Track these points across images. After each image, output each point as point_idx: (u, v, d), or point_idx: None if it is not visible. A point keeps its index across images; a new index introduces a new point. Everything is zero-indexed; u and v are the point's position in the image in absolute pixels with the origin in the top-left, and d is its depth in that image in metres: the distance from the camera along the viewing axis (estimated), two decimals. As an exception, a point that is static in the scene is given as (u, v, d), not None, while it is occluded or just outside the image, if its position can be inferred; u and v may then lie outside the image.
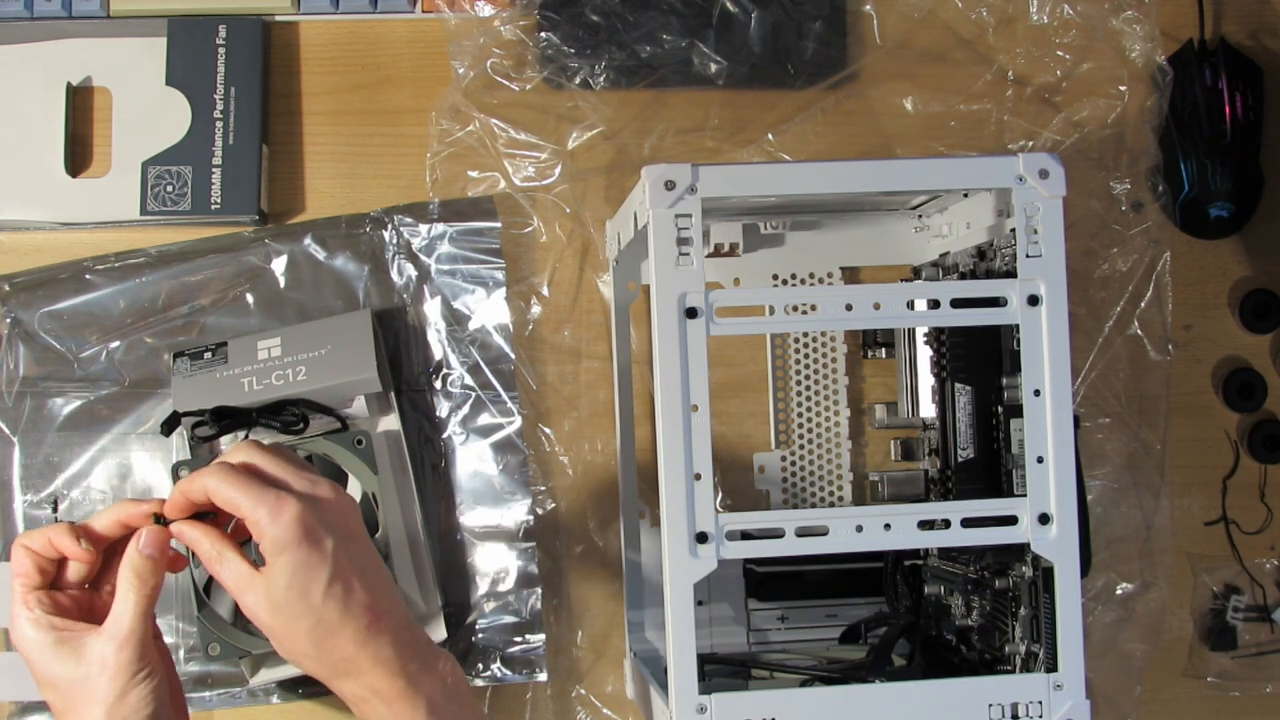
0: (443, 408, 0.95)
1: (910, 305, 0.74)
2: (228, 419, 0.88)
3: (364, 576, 0.68)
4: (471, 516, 0.95)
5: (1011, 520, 0.72)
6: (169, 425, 0.88)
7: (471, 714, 0.72)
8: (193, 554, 0.87)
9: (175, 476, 0.88)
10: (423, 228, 0.96)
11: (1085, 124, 0.97)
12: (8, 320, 0.94)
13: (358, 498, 0.89)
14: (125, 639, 0.68)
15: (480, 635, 0.94)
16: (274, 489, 0.67)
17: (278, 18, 0.98)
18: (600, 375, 0.96)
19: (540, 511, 0.95)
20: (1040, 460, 0.72)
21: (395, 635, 0.68)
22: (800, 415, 0.97)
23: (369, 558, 0.69)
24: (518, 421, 0.95)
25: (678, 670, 0.68)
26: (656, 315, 0.70)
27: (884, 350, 0.96)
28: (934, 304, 0.73)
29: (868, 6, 0.98)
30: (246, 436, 0.89)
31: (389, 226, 0.96)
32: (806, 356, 0.97)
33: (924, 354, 0.91)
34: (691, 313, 0.70)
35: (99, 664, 0.68)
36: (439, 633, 0.90)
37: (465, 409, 0.95)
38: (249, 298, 0.95)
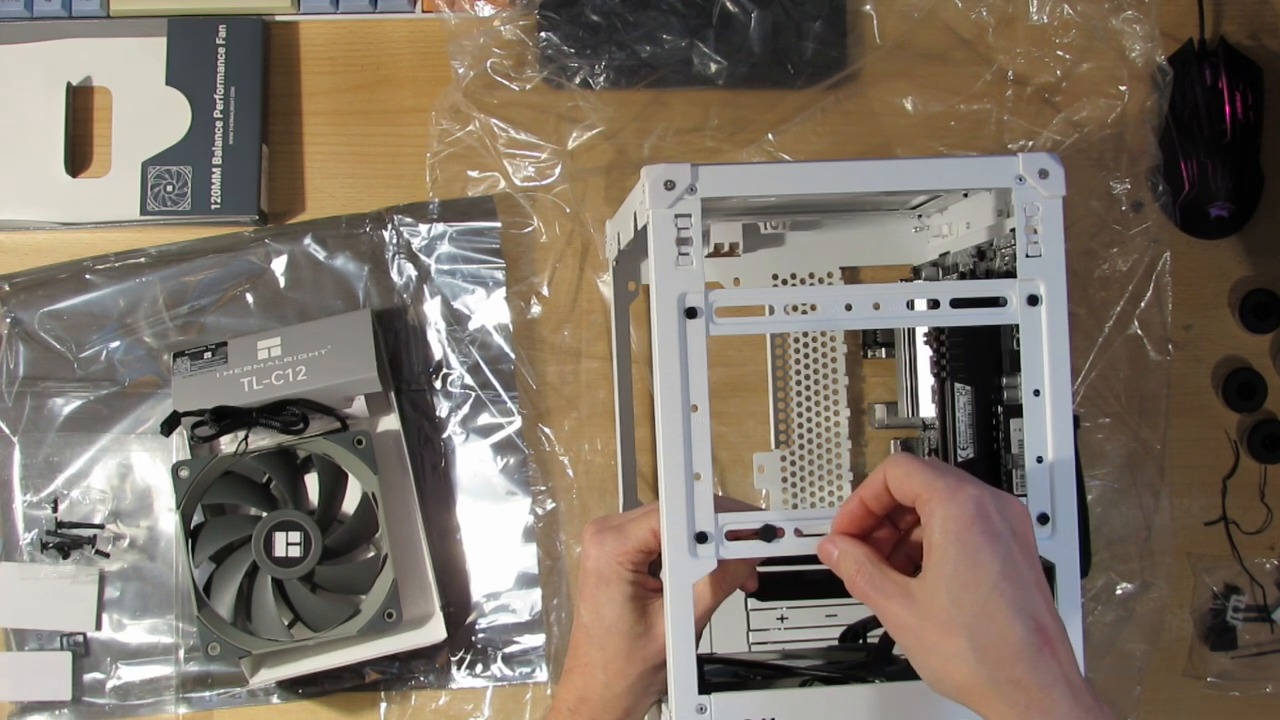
0: (443, 408, 0.95)
1: (910, 305, 0.74)
2: (228, 419, 0.88)
3: (1038, 590, 0.61)
4: (471, 516, 0.95)
5: (1011, 520, 0.72)
6: (169, 425, 0.88)
7: None
8: (192, 553, 0.87)
9: (175, 476, 0.88)
10: (423, 228, 0.96)
11: (1085, 124, 0.97)
12: (8, 320, 0.94)
13: (358, 498, 0.89)
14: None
15: (480, 635, 0.94)
16: (955, 474, 0.63)
17: (278, 18, 0.98)
18: (600, 375, 0.96)
19: (540, 511, 0.95)
20: (1040, 460, 0.72)
21: (1066, 674, 0.60)
22: (800, 415, 0.97)
23: (1042, 577, 0.62)
24: (518, 421, 0.95)
25: (677, 670, 0.68)
26: (656, 315, 0.70)
27: (884, 350, 0.96)
28: (934, 304, 0.73)
29: (868, 6, 0.98)
30: (246, 437, 0.89)
31: (389, 226, 0.96)
32: (806, 356, 0.97)
33: (924, 354, 0.91)
34: (691, 313, 0.69)
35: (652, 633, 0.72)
36: (439, 633, 0.90)
37: (465, 409, 0.95)
38: (249, 298, 0.95)
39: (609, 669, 0.72)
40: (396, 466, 0.93)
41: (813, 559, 0.68)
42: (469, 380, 0.95)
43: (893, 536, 0.68)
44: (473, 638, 0.94)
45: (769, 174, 0.75)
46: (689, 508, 0.69)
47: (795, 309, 0.72)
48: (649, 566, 0.73)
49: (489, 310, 0.96)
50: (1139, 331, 0.97)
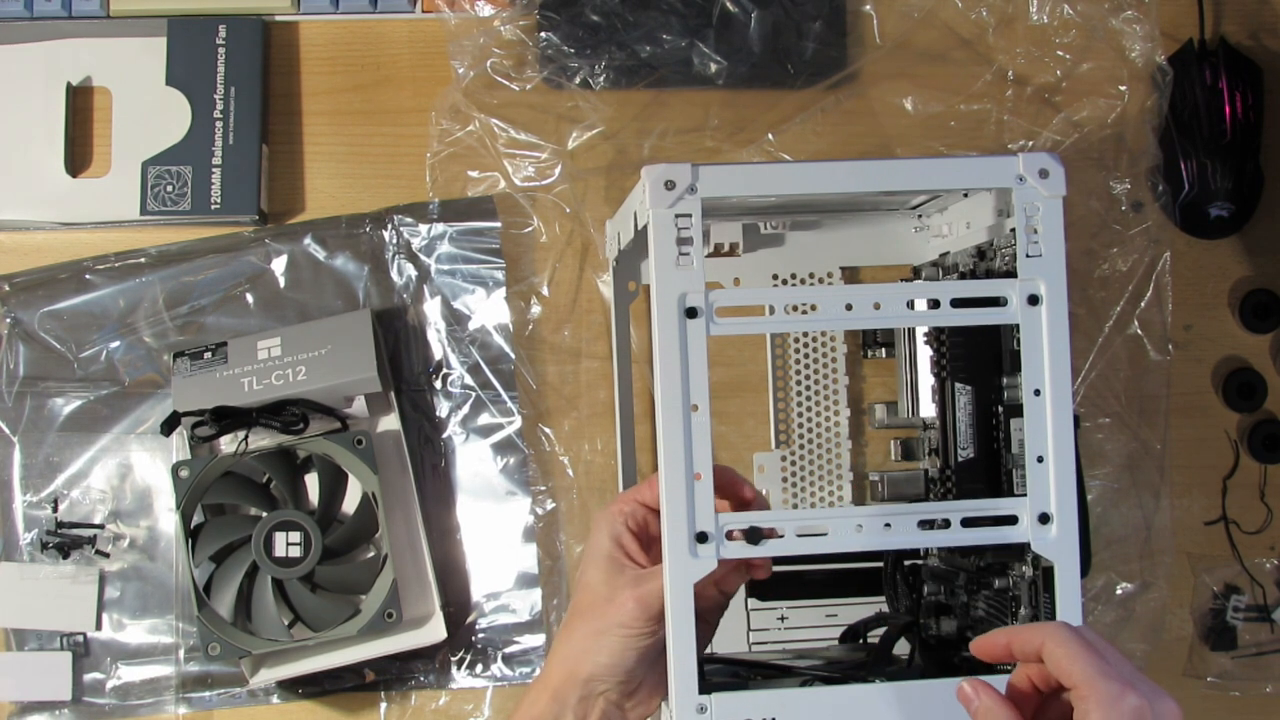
0: (443, 408, 0.95)
1: (910, 305, 0.74)
2: (228, 419, 0.88)
3: None
4: (471, 516, 0.95)
5: (1011, 520, 0.72)
6: (169, 425, 0.88)
7: None
8: (192, 553, 0.87)
9: (175, 476, 0.88)
10: (423, 228, 0.96)
11: (1085, 124, 0.97)
12: (8, 320, 0.94)
13: (358, 498, 0.89)
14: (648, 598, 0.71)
15: (480, 635, 0.94)
16: (1119, 676, 0.59)
17: (278, 18, 0.98)
18: (600, 375, 0.96)
19: (540, 511, 0.95)
20: (1040, 460, 0.72)
21: None
22: (800, 415, 0.97)
23: None
24: (518, 421, 0.95)
25: (678, 670, 0.68)
26: (656, 315, 0.70)
27: (884, 350, 0.96)
28: (934, 304, 0.73)
29: (868, 6, 0.98)
30: (246, 437, 0.89)
31: (389, 226, 0.96)
32: (806, 356, 0.97)
33: (924, 354, 0.91)
34: (691, 313, 0.70)
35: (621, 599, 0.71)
36: (439, 633, 0.90)
37: (465, 409, 0.95)
38: (249, 298, 0.95)
39: (570, 623, 0.73)
40: (396, 466, 0.93)
41: (813, 559, 0.68)
42: (469, 380, 0.95)
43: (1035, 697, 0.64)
44: (473, 638, 0.94)
45: (769, 174, 0.75)
46: (689, 508, 0.69)
47: (795, 309, 0.72)
48: (644, 541, 0.74)
49: (489, 310, 0.96)
50: (1139, 331, 0.97)
